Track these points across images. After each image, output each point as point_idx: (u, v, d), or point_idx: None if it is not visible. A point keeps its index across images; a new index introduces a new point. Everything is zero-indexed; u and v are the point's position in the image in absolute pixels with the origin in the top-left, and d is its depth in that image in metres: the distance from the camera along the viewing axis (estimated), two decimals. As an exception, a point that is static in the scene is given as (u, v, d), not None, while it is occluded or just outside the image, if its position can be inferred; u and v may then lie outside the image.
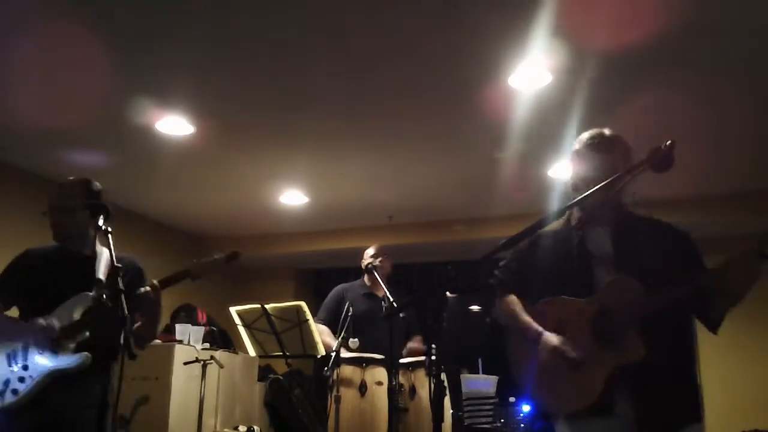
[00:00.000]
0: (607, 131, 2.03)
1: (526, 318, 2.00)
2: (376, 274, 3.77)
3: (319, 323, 3.79)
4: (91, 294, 2.40)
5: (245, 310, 3.61)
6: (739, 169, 4.80)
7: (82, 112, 3.91)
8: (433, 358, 3.19)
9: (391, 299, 3.51)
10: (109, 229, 2.12)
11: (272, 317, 3.51)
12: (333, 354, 3.28)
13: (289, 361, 3.62)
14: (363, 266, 3.96)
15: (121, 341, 1.92)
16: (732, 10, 2.90)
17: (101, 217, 2.15)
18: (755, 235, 1.73)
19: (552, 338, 1.92)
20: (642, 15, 2.94)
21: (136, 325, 2.38)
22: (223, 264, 2.50)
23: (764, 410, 5.31)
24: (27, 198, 2.60)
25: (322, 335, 3.67)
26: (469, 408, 5.24)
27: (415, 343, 3.94)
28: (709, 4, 2.87)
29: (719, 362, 5.33)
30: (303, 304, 3.51)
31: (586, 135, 2.04)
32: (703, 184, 5.00)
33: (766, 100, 3.76)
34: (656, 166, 1.76)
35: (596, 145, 1.98)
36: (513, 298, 2.08)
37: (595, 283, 1.91)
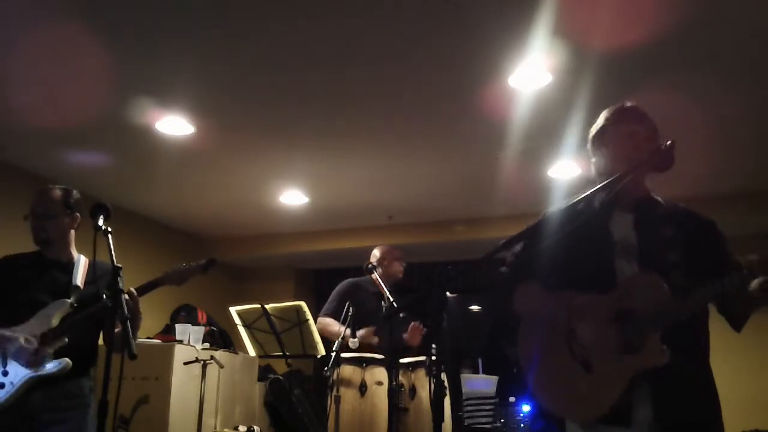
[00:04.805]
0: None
1: (554, 307, 1.84)
2: (376, 274, 3.77)
3: (326, 316, 3.79)
4: (69, 300, 2.41)
5: (245, 310, 3.61)
6: (742, 169, 4.80)
7: (82, 112, 3.91)
8: (433, 358, 3.20)
9: (391, 299, 3.51)
10: (109, 230, 2.12)
11: (272, 317, 3.52)
12: (333, 354, 3.28)
13: (289, 361, 3.62)
14: (368, 265, 3.95)
15: (121, 340, 1.92)
16: (732, 10, 2.90)
17: (101, 217, 2.15)
18: (759, 236, 1.70)
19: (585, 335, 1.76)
20: (642, 15, 2.94)
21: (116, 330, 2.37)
22: (199, 271, 2.51)
23: (764, 410, 5.31)
24: (27, 198, 2.59)
25: (330, 326, 3.66)
26: (469, 408, 5.24)
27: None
28: (709, 4, 2.87)
29: (719, 361, 5.31)
30: (303, 304, 3.51)
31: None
32: (705, 184, 5.00)
33: (767, 99, 3.76)
34: (656, 166, 1.75)
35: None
36: (533, 287, 1.92)
37: (616, 274, 1.78)
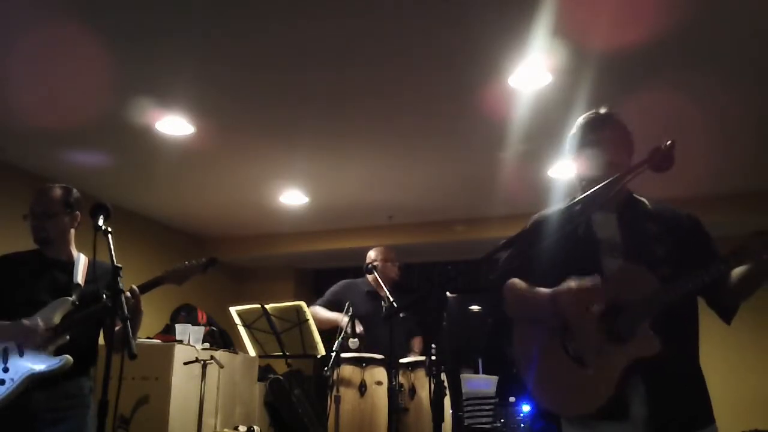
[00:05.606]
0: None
1: (538, 294, 1.86)
2: (376, 274, 3.77)
3: (316, 306, 3.83)
4: (71, 298, 2.41)
5: (245, 310, 3.61)
6: (742, 169, 4.80)
7: (82, 112, 3.91)
8: (433, 358, 3.20)
9: (391, 299, 3.51)
10: (109, 230, 2.12)
11: (272, 317, 3.51)
12: (333, 354, 3.28)
13: (289, 361, 3.62)
14: (369, 265, 3.96)
15: (121, 340, 1.92)
16: (732, 10, 2.90)
17: (101, 217, 2.15)
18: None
19: (570, 299, 1.77)
20: (642, 15, 2.94)
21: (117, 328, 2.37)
22: (199, 270, 2.51)
23: (764, 410, 5.31)
24: (27, 198, 2.59)
25: (318, 313, 3.69)
26: (469, 408, 5.24)
27: (415, 347, 3.97)
28: (709, 4, 2.87)
29: (719, 361, 5.32)
30: (303, 304, 3.51)
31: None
32: (705, 184, 5.00)
33: (767, 99, 3.76)
34: (656, 166, 1.75)
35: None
36: (519, 282, 1.94)
37: (602, 270, 1.81)
